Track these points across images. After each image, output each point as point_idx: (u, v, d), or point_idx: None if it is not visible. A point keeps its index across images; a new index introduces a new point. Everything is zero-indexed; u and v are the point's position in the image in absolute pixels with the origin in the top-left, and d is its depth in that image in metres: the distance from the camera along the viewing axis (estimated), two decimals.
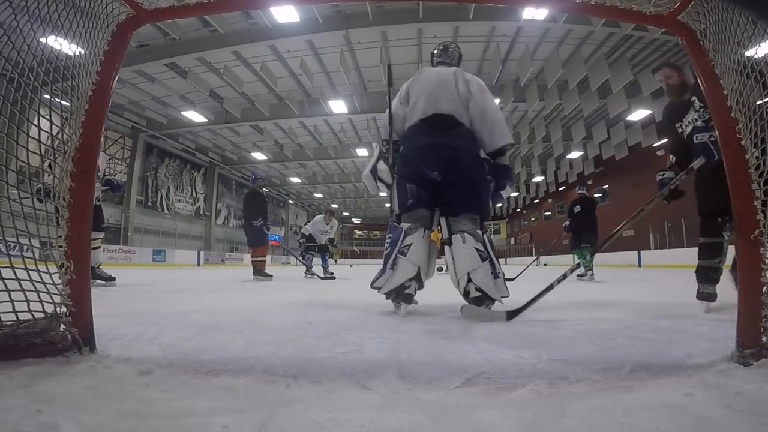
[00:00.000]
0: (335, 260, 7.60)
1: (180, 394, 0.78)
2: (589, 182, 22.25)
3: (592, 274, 5.99)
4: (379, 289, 2.03)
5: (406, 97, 2.28)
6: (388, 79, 2.38)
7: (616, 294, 3.44)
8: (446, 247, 2.03)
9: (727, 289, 3.00)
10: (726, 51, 1.07)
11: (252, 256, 6.28)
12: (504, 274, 2.02)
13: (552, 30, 10.49)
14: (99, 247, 4.12)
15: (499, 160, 2.20)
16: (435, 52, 2.50)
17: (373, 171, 2.24)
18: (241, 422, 0.64)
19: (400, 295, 1.96)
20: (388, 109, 2.28)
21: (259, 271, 6.03)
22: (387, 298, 2.03)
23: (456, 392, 0.81)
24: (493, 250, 1.99)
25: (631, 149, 16.36)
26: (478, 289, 1.89)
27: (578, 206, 6.47)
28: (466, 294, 1.94)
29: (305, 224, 7.95)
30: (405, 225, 2.04)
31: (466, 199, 2.06)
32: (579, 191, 6.73)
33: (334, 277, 6.62)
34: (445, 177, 2.04)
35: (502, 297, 1.95)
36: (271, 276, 6.09)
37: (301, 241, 7.68)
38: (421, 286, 2.01)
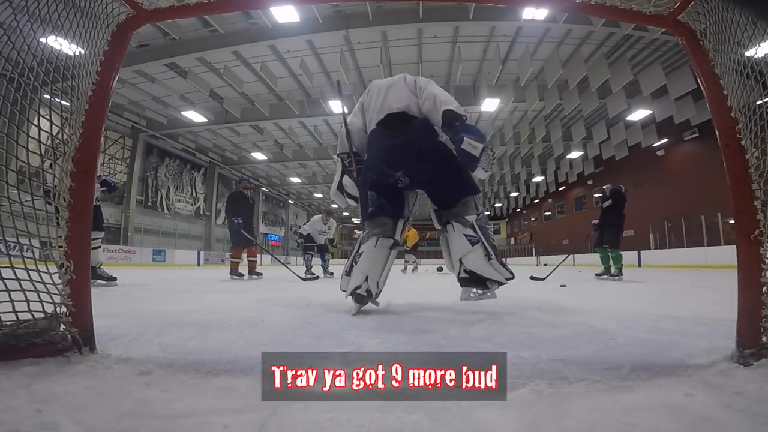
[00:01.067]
0: (328, 260, 7.46)
1: (180, 394, 0.78)
2: (589, 182, 22.27)
3: (615, 274, 5.82)
4: (344, 291, 2.12)
5: (360, 109, 2.33)
6: (339, 92, 2.40)
7: (616, 294, 3.44)
8: (441, 238, 2.11)
9: (727, 289, 3.01)
10: (726, 51, 1.07)
11: (231, 257, 6.34)
12: (499, 256, 2.03)
13: (552, 30, 10.49)
14: (99, 247, 4.14)
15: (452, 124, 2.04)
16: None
17: (340, 187, 2.29)
18: (241, 422, 0.64)
19: (354, 296, 2.01)
20: (343, 124, 2.29)
21: (251, 270, 6.19)
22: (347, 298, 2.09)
23: (456, 392, 0.81)
24: (485, 233, 2.00)
25: (631, 149, 16.37)
26: (467, 271, 1.94)
27: (609, 201, 6.11)
28: (460, 280, 1.99)
29: (304, 224, 7.91)
30: (363, 233, 2.14)
31: (445, 188, 2.08)
32: (614, 186, 6.31)
33: (332, 275, 6.63)
34: (412, 175, 2.05)
35: (506, 278, 1.98)
36: (243, 275, 6.06)
37: (299, 241, 7.60)
38: (371, 290, 2.01)
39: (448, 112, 1.97)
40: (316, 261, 7.42)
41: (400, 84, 2.20)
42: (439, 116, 2.00)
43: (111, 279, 4.04)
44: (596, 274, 5.97)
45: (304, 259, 7.38)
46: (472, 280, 1.95)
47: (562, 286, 4.37)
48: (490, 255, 1.95)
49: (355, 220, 43.27)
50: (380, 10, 9.69)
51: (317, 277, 5.78)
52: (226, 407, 0.71)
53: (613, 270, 5.68)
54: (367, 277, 2.00)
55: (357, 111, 2.34)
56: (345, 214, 42.54)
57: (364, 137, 2.29)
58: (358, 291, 1.98)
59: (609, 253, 5.84)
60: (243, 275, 6.06)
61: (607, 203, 6.07)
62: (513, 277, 1.99)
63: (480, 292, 1.98)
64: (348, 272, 2.10)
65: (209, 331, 1.48)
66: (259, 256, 6.68)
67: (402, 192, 2.16)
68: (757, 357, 0.94)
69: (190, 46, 10.74)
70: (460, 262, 1.97)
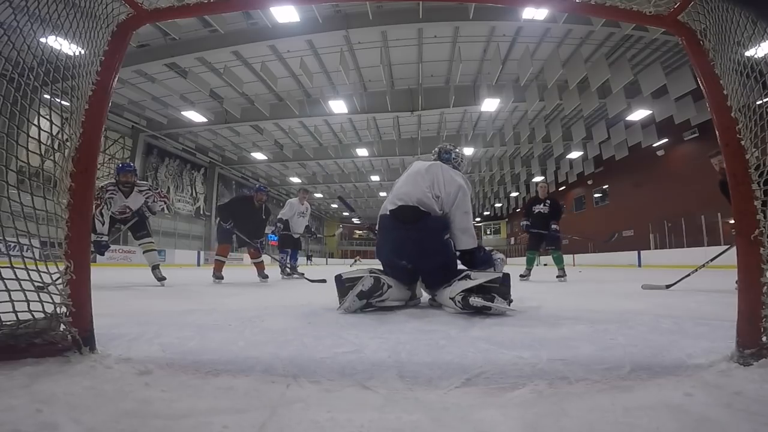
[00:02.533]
0: (309, 259, 6.98)
1: (180, 394, 0.78)
2: (589, 182, 22.26)
3: (563, 275, 6.20)
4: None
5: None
6: (347, 206, 2.92)
7: (616, 294, 3.44)
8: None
9: (726, 289, 3.01)
10: (726, 51, 1.07)
11: (216, 254, 5.75)
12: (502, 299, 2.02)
13: (552, 30, 10.49)
14: (154, 250, 4.70)
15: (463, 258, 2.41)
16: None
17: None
18: (241, 422, 0.64)
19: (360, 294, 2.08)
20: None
21: (260, 273, 5.83)
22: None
23: (456, 392, 0.81)
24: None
25: (631, 149, 16.35)
26: (473, 297, 1.96)
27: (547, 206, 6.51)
28: (470, 306, 1.99)
29: (281, 210, 6.96)
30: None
31: (437, 279, 2.29)
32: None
33: (302, 276, 6.15)
34: (414, 263, 2.27)
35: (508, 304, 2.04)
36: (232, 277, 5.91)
37: (279, 224, 6.59)
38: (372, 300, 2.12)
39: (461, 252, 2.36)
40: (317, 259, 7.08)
41: (422, 173, 2.40)
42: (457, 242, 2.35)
43: (161, 279, 4.36)
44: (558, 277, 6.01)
45: (279, 260, 6.70)
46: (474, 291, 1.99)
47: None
48: (467, 275, 2.10)
49: (356, 221, 43.26)
50: (380, 10, 9.68)
51: (324, 280, 5.30)
52: (226, 407, 0.71)
53: (560, 271, 6.03)
54: (392, 287, 2.13)
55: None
56: (345, 214, 42.52)
57: None
58: (379, 281, 2.07)
59: (554, 255, 6.13)
60: (220, 277, 5.46)
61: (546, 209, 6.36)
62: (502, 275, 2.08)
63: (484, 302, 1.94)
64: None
65: (209, 331, 1.48)
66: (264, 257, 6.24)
67: (409, 272, 2.33)
68: (757, 357, 0.94)
69: (190, 46, 10.72)
70: (452, 300, 2.04)
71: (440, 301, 2.25)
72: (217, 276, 5.33)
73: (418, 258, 2.25)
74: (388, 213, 2.33)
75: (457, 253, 2.37)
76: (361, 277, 2.11)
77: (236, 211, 5.68)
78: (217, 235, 5.93)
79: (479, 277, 2.04)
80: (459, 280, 2.10)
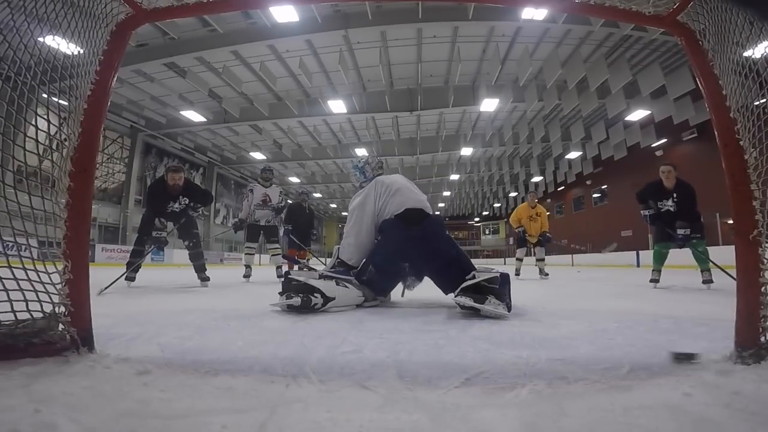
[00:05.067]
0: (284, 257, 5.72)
1: (178, 394, 0.77)
2: (588, 182, 22.27)
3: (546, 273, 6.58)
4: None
5: (377, 197, 2.51)
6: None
7: (616, 294, 3.44)
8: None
9: (726, 289, 3.02)
10: (725, 51, 1.07)
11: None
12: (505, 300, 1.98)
13: (551, 30, 10.49)
14: (280, 254, 5.68)
15: None
16: (373, 163, 2.80)
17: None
18: (240, 422, 0.64)
19: (302, 301, 2.03)
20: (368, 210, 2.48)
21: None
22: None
23: (455, 392, 0.81)
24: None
25: (630, 149, 16.39)
26: (468, 297, 1.93)
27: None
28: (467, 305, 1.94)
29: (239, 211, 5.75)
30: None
31: (450, 277, 2.26)
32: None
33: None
34: (421, 265, 2.33)
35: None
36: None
37: (235, 222, 5.70)
38: (314, 307, 2.05)
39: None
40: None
41: (410, 184, 2.57)
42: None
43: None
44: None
45: (242, 258, 5.87)
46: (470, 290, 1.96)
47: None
48: (470, 277, 2.08)
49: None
50: (379, 9, 9.68)
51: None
52: (225, 407, 0.71)
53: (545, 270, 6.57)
54: (334, 298, 2.09)
55: (370, 201, 2.50)
56: (344, 214, 42.47)
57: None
58: (314, 299, 2.01)
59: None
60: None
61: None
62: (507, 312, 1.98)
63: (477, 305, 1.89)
64: (322, 277, 2.21)
65: (208, 331, 1.48)
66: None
67: (403, 276, 2.41)
68: (756, 357, 0.94)
69: (189, 46, 10.70)
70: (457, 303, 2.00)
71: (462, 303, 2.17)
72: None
73: (426, 258, 2.29)
74: (392, 218, 2.37)
75: None
76: (300, 283, 2.06)
77: (292, 216, 6.43)
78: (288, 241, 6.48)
79: (480, 276, 2.01)
80: (466, 278, 2.10)
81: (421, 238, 2.30)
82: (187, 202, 4.19)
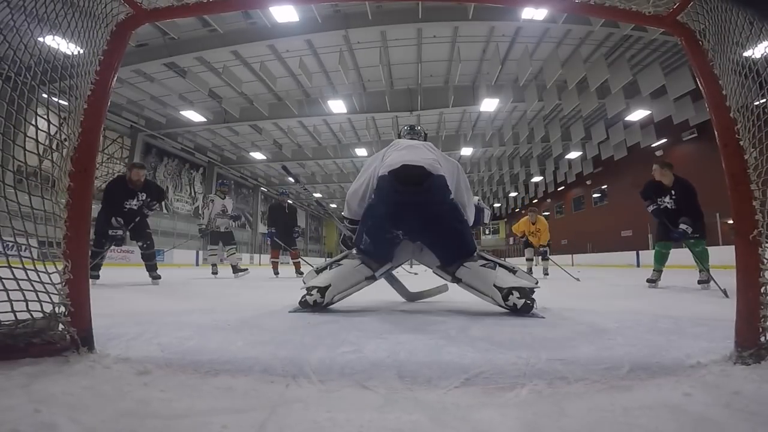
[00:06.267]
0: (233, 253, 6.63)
1: (178, 394, 0.77)
2: (588, 182, 22.26)
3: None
4: (303, 284, 2.20)
5: (385, 151, 2.28)
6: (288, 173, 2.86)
7: (616, 294, 3.44)
8: (461, 284, 2.10)
9: (726, 290, 3.02)
10: (725, 51, 1.07)
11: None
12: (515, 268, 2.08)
13: (551, 30, 10.49)
14: (235, 254, 6.61)
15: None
16: (403, 129, 2.71)
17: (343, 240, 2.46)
18: (240, 422, 0.64)
19: (303, 300, 2.04)
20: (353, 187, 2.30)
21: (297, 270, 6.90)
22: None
23: (455, 392, 0.81)
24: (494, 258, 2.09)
25: (630, 149, 16.38)
26: (518, 296, 1.89)
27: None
28: (512, 307, 1.90)
29: (201, 218, 6.73)
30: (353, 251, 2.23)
31: (452, 251, 2.11)
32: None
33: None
34: (412, 235, 2.10)
35: (535, 284, 2.03)
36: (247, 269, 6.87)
37: (201, 228, 6.63)
38: (320, 303, 2.03)
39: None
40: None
41: (421, 146, 2.25)
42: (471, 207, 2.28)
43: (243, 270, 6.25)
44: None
45: (207, 259, 6.77)
46: (526, 301, 1.89)
47: (576, 279, 5.26)
48: (513, 269, 2.04)
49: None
50: (380, 9, 9.67)
51: (247, 270, 6.65)
52: (225, 407, 0.71)
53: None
54: (329, 285, 2.02)
55: (378, 155, 2.29)
56: (344, 213, 42.39)
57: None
58: (309, 297, 2.01)
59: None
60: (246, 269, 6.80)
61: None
62: (538, 283, 2.06)
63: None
64: (318, 271, 2.19)
65: (208, 331, 1.48)
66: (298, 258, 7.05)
67: (396, 243, 2.17)
68: (756, 357, 0.94)
69: (189, 46, 10.70)
70: (497, 288, 1.94)
71: (470, 281, 2.03)
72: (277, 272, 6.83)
73: (423, 227, 2.04)
74: (387, 174, 2.03)
75: None
76: (312, 287, 2.04)
77: (273, 217, 7.04)
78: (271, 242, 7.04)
79: (524, 280, 2.00)
80: (500, 267, 2.02)
81: (419, 203, 1.98)
82: (144, 197, 4.43)
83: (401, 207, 2.00)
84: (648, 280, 4.23)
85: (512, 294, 1.88)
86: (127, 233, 4.45)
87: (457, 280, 2.09)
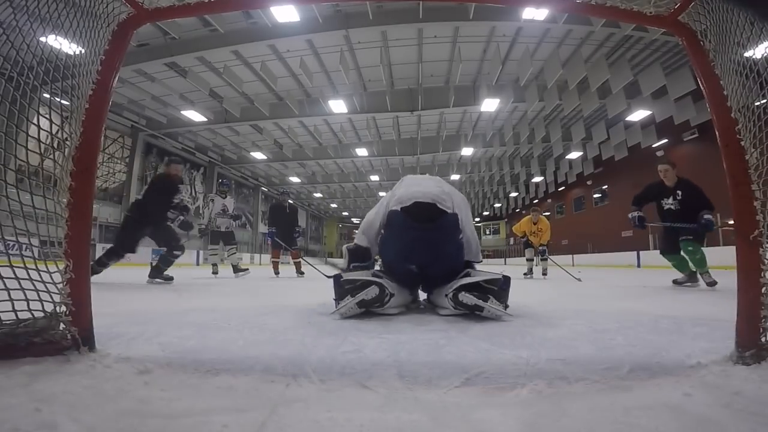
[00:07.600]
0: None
1: (179, 394, 0.78)
2: (589, 183, 22.25)
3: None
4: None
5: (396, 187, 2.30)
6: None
7: (616, 294, 3.44)
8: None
9: (726, 290, 3.02)
10: (726, 51, 1.07)
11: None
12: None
13: (552, 30, 10.49)
14: (235, 254, 6.56)
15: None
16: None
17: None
18: (241, 422, 0.64)
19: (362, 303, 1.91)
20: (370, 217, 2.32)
21: (297, 270, 6.97)
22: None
23: (455, 392, 0.81)
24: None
25: (631, 150, 16.36)
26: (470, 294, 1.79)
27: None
28: (463, 305, 1.80)
29: (201, 217, 6.82)
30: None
31: (440, 282, 2.10)
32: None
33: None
34: (424, 269, 2.09)
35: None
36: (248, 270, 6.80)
37: (201, 227, 6.77)
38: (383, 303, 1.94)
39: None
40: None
41: (430, 180, 2.28)
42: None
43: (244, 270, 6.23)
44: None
45: (207, 258, 6.82)
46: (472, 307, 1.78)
47: (578, 279, 5.31)
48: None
49: (355, 220, 43.22)
50: (380, 9, 9.68)
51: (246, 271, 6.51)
52: (226, 406, 0.71)
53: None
54: (393, 294, 1.90)
55: (390, 193, 2.28)
56: (344, 213, 42.51)
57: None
58: (383, 293, 1.83)
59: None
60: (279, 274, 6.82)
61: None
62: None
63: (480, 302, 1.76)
64: (375, 275, 2.02)
65: (208, 330, 1.48)
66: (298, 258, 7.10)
67: (414, 276, 2.16)
68: (756, 357, 0.94)
69: (190, 46, 10.72)
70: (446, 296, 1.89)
71: (434, 301, 2.13)
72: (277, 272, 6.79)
73: (432, 262, 2.06)
74: (399, 210, 2.06)
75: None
76: (361, 280, 1.87)
77: (273, 218, 7.01)
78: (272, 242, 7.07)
79: (478, 275, 1.95)
80: (459, 278, 1.97)
81: (431, 239, 2.02)
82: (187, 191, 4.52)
83: (413, 243, 2.04)
84: (677, 281, 4.21)
85: (459, 293, 1.78)
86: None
87: (430, 304, 2.23)
